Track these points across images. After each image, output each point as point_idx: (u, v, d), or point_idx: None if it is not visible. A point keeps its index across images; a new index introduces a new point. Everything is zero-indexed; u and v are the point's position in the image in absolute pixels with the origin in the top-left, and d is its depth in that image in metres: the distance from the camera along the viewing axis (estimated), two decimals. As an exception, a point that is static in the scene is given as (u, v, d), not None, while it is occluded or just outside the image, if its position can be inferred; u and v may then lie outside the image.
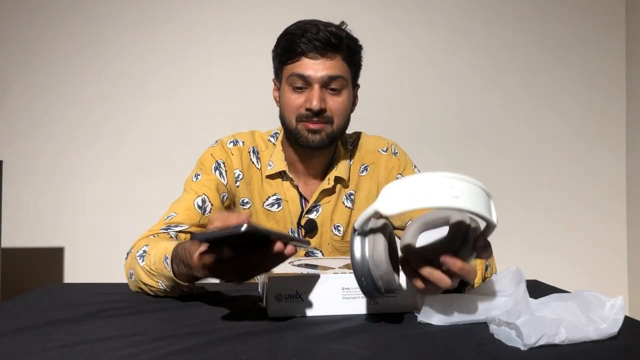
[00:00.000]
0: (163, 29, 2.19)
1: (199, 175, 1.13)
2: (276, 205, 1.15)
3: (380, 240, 0.66)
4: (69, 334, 0.69)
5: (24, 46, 2.16)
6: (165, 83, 2.18)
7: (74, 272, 2.15)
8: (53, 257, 2.14)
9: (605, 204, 2.35)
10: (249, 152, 1.17)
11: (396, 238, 0.77)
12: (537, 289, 0.97)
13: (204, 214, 1.06)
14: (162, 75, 2.18)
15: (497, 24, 2.31)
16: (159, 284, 0.89)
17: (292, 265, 0.89)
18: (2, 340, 0.67)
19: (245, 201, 1.15)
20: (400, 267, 0.73)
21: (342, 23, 1.13)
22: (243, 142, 1.17)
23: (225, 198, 1.13)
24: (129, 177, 2.17)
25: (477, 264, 0.93)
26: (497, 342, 0.65)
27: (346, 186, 1.18)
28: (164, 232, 1.01)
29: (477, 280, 0.91)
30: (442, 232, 0.73)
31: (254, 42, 2.20)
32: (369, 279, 0.66)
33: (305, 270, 0.83)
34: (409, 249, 0.72)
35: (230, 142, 1.17)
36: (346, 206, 1.17)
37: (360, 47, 1.14)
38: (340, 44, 1.07)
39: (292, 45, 1.07)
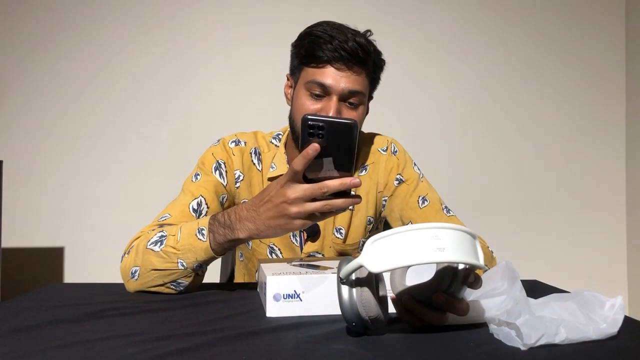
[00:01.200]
0: (163, 28, 2.19)
1: (198, 175, 1.11)
2: None
3: (366, 285, 0.66)
4: (69, 334, 0.69)
5: (24, 46, 2.16)
6: (166, 83, 2.19)
7: (74, 272, 2.15)
8: (53, 257, 2.14)
9: (605, 203, 2.35)
10: (251, 153, 1.15)
11: (384, 275, 0.77)
12: (537, 289, 0.97)
13: (198, 217, 1.04)
14: (162, 74, 2.18)
15: (495, 23, 2.31)
16: (178, 264, 0.89)
17: (291, 265, 0.89)
18: (2, 340, 0.67)
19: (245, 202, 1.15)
20: (391, 303, 0.73)
21: (368, 31, 1.09)
22: (245, 143, 1.16)
23: (224, 200, 1.11)
24: (129, 177, 2.17)
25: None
26: (497, 342, 0.65)
27: None
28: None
29: None
30: (432, 265, 0.73)
31: (254, 42, 2.20)
32: (360, 323, 0.66)
33: (303, 270, 0.83)
34: (399, 288, 0.72)
35: (233, 141, 1.15)
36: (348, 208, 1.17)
37: (383, 63, 1.11)
38: (367, 59, 1.04)
39: (317, 50, 1.03)
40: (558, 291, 0.92)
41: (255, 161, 1.15)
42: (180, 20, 2.20)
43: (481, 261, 0.66)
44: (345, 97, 1.04)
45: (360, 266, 0.64)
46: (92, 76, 2.17)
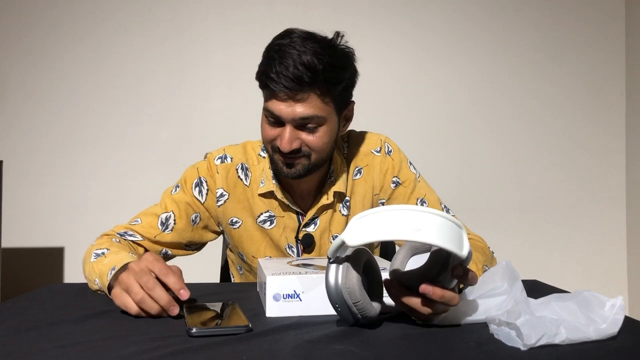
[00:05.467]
0: (163, 28, 2.19)
1: (178, 187, 1.12)
2: (269, 222, 1.12)
3: (353, 269, 0.67)
4: (69, 334, 0.69)
5: (23, 46, 2.16)
6: (165, 82, 2.18)
7: (74, 272, 2.15)
8: (53, 257, 2.14)
9: (605, 204, 2.35)
10: (237, 169, 1.12)
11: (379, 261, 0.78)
12: (537, 289, 0.97)
13: (163, 230, 1.08)
14: (162, 74, 2.18)
15: (496, 26, 2.31)
16: (95, 281, 0.93)
17: (290, 265, 0.89)
18: (2, 340, 0.67)
19: (234, 220, 1.12)
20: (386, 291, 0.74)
21: (337, 36, 0.99)
22: (232, 158, 1.12)
23: (198, 218, 1.11)
24: (128, 177, 2.17)
25: (476, 269, 0.93)
26: (497, 342, 0.65)
27: (344, 197, 1.14)
28: (120, 237, 1.06)
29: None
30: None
31: (254, 41, 2.19)
32: (344, 306, 0.67)
33: (303, 270, 0.83)
34: (393, 275, 0.73)
35: (219, 158, 1.12)
36: (343, 214, 1.13)
37: (343, 74, 0.99)
38: (314, 79, 0.94)
39: (264, 78, 0.97)
40: (558, 291, 0.92)
41: (242, 176, 1.12)
42: (180, 20, 2.19)
43: (464, 252, 0.66)
44: (299, 124, 0.98)
45: (343, 242, 0.66)
46: (92, 76, 2.17)
